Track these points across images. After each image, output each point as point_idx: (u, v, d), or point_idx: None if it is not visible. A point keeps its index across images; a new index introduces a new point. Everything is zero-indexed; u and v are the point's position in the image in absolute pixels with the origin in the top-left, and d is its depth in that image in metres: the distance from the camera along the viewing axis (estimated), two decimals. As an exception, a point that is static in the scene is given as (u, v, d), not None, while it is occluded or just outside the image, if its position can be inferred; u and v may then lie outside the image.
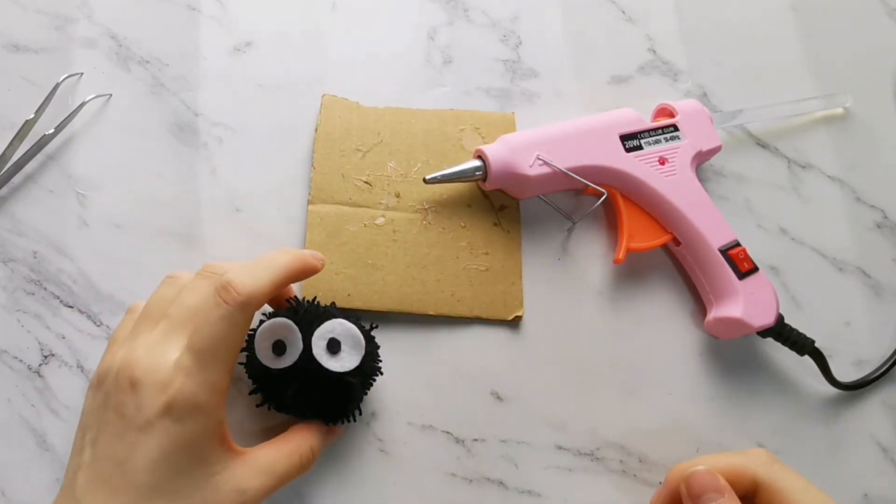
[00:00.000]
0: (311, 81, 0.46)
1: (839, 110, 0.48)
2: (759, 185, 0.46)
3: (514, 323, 0.41)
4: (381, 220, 0.42)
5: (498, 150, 0.41)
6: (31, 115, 0.42)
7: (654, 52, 0.49)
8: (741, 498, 0.33)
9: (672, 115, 0.44)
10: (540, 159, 0.40)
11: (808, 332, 0.41)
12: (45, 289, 0.41)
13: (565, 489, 0.39)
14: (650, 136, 0.42)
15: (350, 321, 0.36)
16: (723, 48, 0.49)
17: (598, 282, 0.43)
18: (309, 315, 0.35)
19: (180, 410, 0.29)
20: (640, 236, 0.42)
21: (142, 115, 0.44)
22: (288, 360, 0.34)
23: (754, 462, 0.34)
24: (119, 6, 0.46)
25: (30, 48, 0.45)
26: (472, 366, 0.41)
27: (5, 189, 0.42)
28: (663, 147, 0.42)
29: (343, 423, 0.37)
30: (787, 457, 0.40)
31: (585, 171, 0.41)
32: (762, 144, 0.47)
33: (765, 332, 0.40)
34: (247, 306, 0.31)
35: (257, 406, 0.36)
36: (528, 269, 0.42)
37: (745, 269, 0.40)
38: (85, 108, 0.44)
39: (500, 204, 0.43)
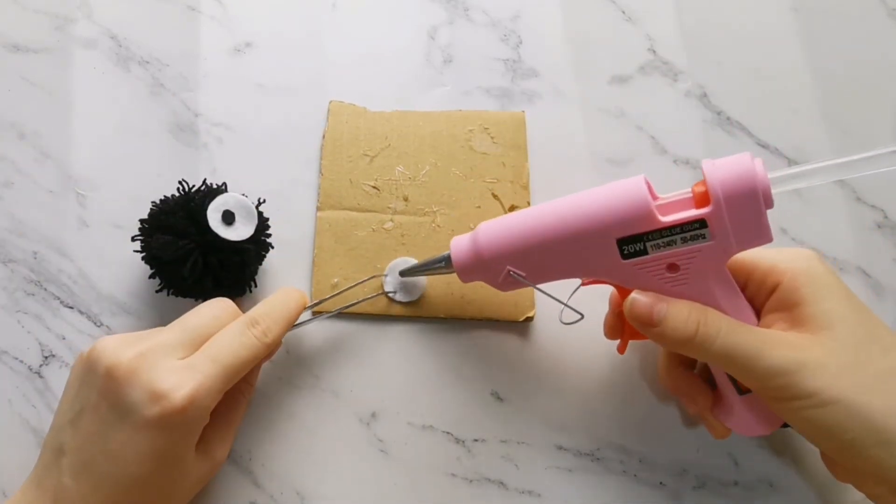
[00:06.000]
0: (311, 81, 0.46)
1: None
2: (759, 185, 0.46)
3: (520, 324, 0.41)
4: (389, 225, 0.42)
5: (465, 258, 0.36)
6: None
7: (654, 52, 0.49)
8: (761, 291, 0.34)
9: (705, 203, 0.31)
10: (511, 275, 0.35)
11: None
12: (46, 289, 0.41)
13: (565, 489, 0.39)
14: (660, 238, 0.31)
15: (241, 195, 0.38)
16: (723, 48, 0.49)
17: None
18: (202, 193, 0.37)
19: (182, 420, 0.31)
20: None
21: (142, 115, 0.44)
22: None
23: (787, 261, 0.34)
24: (119, 6, 0.46)
25: (30, 48, 0.45)
26: (472, 366, 0.41)
27: (4, 189, 0.42)
28: (677, 250, 0.31)
29: (239, 295, 0.40)
30: (787, 455, 0.40)
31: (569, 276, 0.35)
32: (762, 144, 0.47)
33: None
34: (269, 347, 0.35)
35: (157, 292, 0.38)
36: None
37: (746, 388, 0.34)
38: (85, 107, 0.44)
39: (510, 204, 0.43)
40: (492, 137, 0.44)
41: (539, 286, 0.35)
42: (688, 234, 0.31)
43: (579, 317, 0.36)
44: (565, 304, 0.36)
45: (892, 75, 0.49)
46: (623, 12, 0.49)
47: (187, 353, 0.32)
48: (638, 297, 0.32)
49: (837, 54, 0.49)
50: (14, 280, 0.41)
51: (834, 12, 0.50)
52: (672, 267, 0.32)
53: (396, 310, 0.41)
